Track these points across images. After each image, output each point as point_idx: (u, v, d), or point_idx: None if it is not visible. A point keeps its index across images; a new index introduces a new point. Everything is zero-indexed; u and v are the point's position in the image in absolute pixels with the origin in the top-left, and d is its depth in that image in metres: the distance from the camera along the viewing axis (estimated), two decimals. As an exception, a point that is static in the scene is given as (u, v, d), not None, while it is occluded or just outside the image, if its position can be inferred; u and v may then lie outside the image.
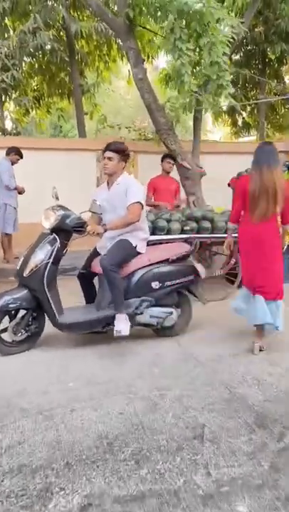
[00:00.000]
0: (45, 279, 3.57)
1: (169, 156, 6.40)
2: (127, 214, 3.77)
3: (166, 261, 3.95)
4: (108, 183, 4.00)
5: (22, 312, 3.68)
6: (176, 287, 3.94)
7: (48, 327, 3.75)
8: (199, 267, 4.11)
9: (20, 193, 6.86)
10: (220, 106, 6.40)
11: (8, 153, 6.78)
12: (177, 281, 3.91)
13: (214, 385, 3.05)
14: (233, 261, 5.34)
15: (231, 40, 6.05)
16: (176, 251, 4.06)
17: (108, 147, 3.83)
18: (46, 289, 3.56)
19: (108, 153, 3.81)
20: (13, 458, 2.24)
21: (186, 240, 4.76)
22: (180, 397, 2.88)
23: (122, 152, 3.84)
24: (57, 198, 3.84)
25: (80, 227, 3.68)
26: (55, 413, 2.69)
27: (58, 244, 3.66)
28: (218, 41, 5.75)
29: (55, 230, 3.68)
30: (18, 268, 3.75)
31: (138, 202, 3.78)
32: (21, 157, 6.81)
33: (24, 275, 3.62)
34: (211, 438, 2.42)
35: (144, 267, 3.83)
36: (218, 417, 2.64)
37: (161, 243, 4.48)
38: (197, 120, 7.31)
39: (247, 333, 4.11)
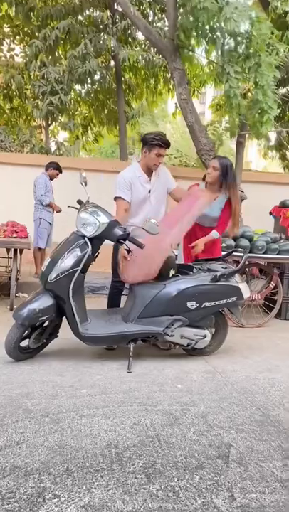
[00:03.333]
0: (71, 287, 3.22)
1: None
2: (189, 194, 3.73)
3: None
4: (146, 174, 3.76)
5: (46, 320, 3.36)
6: (214, 309, 3.52)
7: (63, 333, 3.46)
8: (244, 289, 3.59)
9: (54, 211, 6.71)
10: (264, 133, 6.15)
11: (46, 168, 6.71)
12: (217, 302, 3.46)
13: (245, 406, 2.67)
14: (272, 285, 4.97)
15: (280, 64, 5.93)
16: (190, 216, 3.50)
17: (166, 143, 3.64)
18: (71, 298, 3.22)
19: (165, 152, 3.72)
20: (7, 458, 1.95)
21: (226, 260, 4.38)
22: (205, 414, 2.52)
23: None
24: (85, 184, 3.62)
25: (124, 238, 3.28)
26: (62, 417, 2.39)
27: (89, 250, 3.25)
28: (267, 63, 5.64)
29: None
30: (43, 269, 3.39)
31: None
32: (60, 172, 6.74)
33: (49, 280, 3.27)
34: (238, 459, 2.05)
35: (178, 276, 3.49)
36: (248, 438, 2.26)
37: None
38: (240, 144, 7.14)
39: (286, 358, 3.73)
